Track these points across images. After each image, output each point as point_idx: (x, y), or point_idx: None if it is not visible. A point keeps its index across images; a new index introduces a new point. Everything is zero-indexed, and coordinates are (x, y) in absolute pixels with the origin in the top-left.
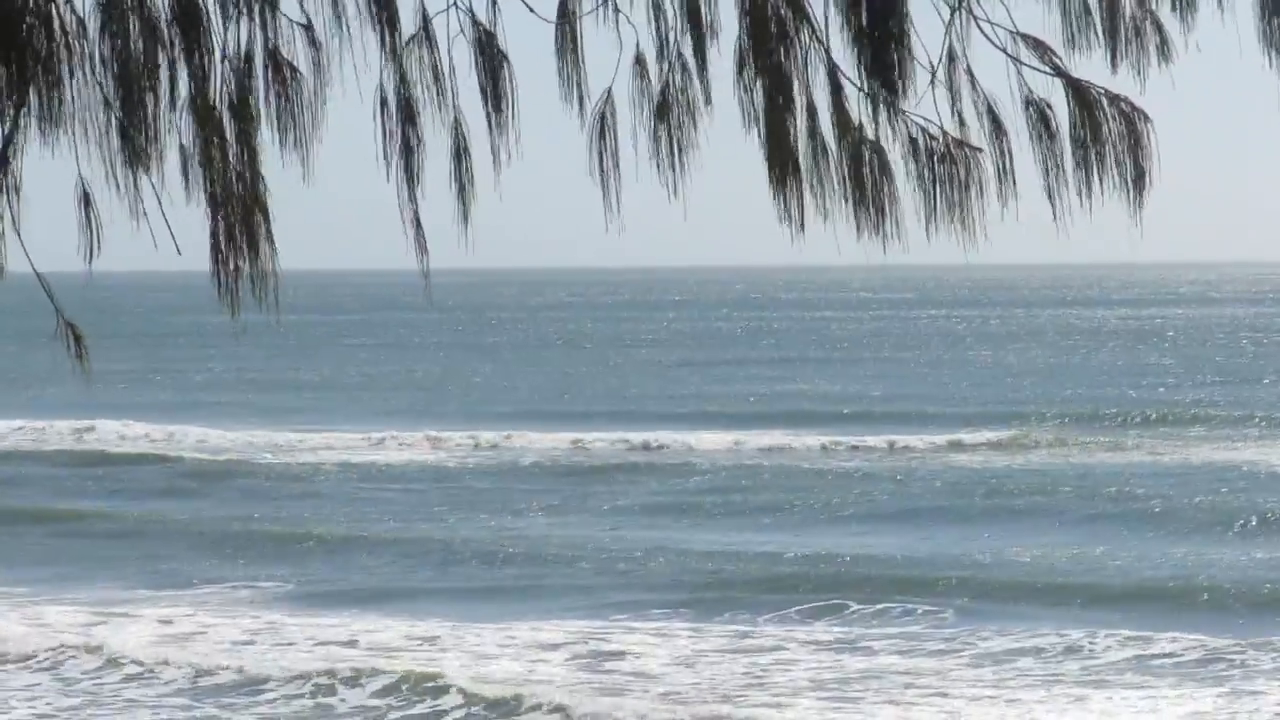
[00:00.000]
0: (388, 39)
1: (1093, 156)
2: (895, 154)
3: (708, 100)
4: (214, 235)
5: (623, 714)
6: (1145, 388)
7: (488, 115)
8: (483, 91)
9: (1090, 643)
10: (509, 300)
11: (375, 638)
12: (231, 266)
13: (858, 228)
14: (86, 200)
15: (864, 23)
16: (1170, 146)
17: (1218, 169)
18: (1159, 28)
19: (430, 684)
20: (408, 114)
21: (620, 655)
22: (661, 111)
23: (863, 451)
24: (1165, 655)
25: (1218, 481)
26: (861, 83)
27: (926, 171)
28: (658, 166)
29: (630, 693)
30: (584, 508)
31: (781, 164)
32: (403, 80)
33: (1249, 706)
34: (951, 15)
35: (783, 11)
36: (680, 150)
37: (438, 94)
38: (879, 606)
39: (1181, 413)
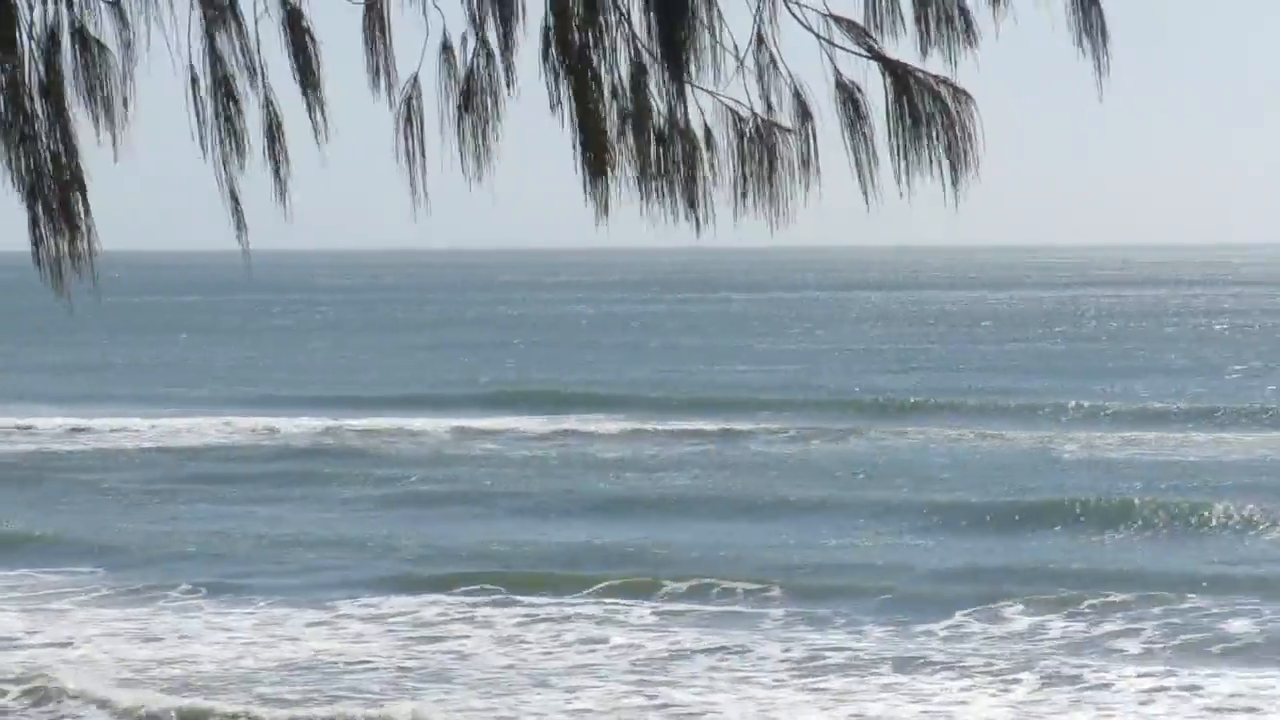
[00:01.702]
0: (198, 17)
1: (911, 138)
2: (703, 136)
3: (510, 85)
4: (32, 215)
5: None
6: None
7: (304, 93)
8: (293, 70)
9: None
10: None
11: None
12: (51, 246)
13: (669, 210)
14: None
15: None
16: (993, 130)
17: (1039, 154)
18: (964, 12)
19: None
20: (224, 91)
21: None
22: (467, 98)
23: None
24: None
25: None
26: (666, 66)
27: (735, 153)
28: (462, 153)
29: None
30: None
31: (588, 146)
32: (215, 58)
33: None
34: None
35: None
36: (484, 138)
37: (249, 72)
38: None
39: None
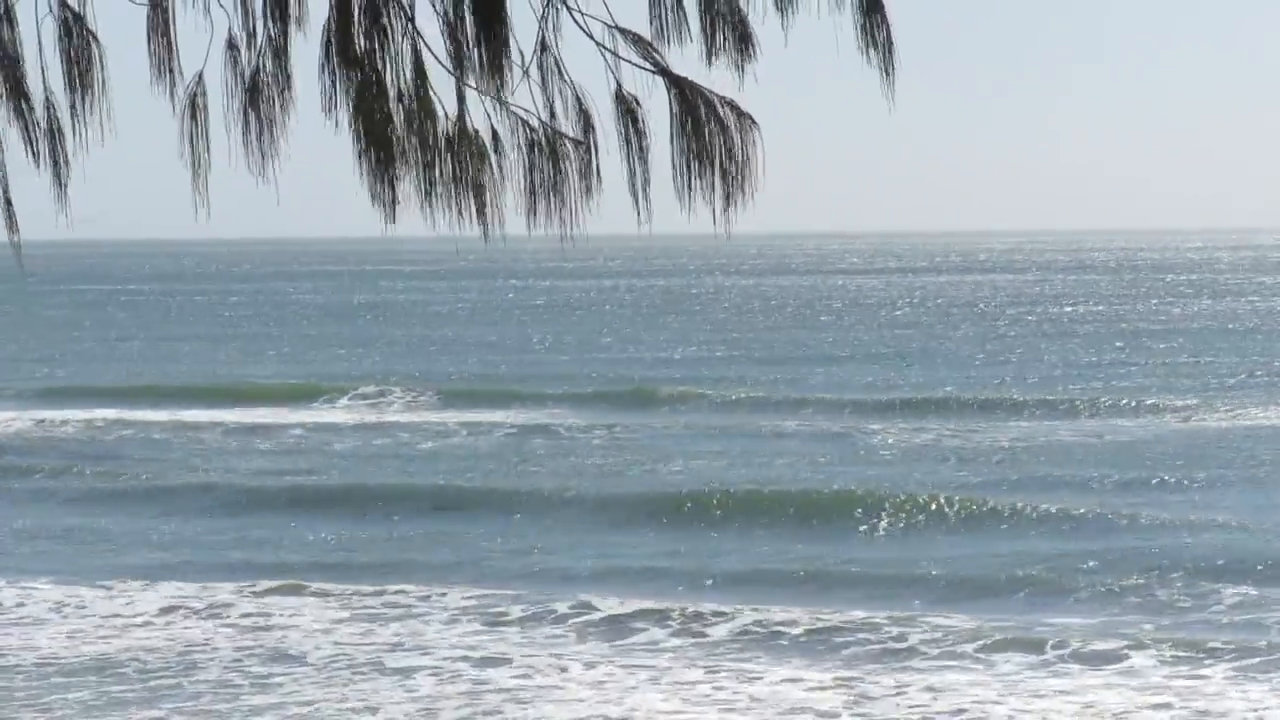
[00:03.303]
0: None
1: (691, 158)
2: (494, 143)
3: (288, 87)
4: None
5: None
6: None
7: (71, 94)
8: (68, 72)
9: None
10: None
11: None
12: None
13: (458, 214)
14: None
15: (464, 6)
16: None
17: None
18: (744, 23)
19: None
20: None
21: None
22: (252, 96)
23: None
24: None
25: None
26: (459, 70)
27: (524, 160)
28: (248, 151)
29: None
30: None
31: (371, 148)
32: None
33: None
34: (545, 6)
35: None
36: (271, 136)
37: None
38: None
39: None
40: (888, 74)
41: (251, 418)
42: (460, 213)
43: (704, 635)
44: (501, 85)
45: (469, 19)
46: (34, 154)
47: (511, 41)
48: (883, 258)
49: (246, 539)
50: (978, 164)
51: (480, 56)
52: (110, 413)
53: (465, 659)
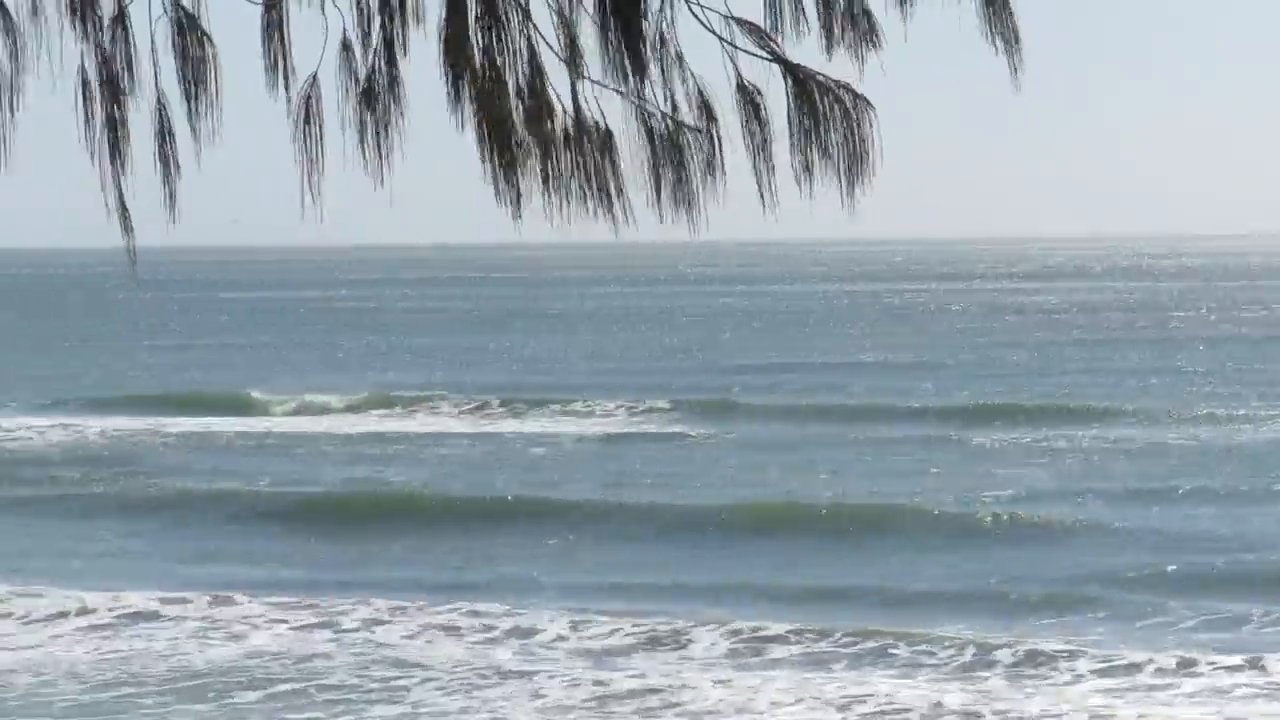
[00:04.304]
0: (88, 20)
1: (811, 143)
2: (621, 134)
3: (402, 88)
4: None
5: None
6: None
7: (186, 97)
8: (183, 73)
9: None
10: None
11: None
12: None
13: (586, 210)
14: None
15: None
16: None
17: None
18: (868, 14)
19: None
20: (111, 95)
21: None
22: (367, 98)
23: None
24: None
25: None
26: (575, 63)
27: (648, 152)
28: (364, 154)
29: None
30: None
31: (494, 146)
32: (105, 62)
33: None
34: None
35: None
36: (386, 138)
37: (138, 76)
38: None
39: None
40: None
41: (376, 425)
42: (586, 207)
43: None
44: (643, 81)
45: (605, 13)
46: (158, 157)
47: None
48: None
49: (367, 551)
50: (1025, 165)
51: (615, 50)
52: (259, 421)
53: (592, 669)
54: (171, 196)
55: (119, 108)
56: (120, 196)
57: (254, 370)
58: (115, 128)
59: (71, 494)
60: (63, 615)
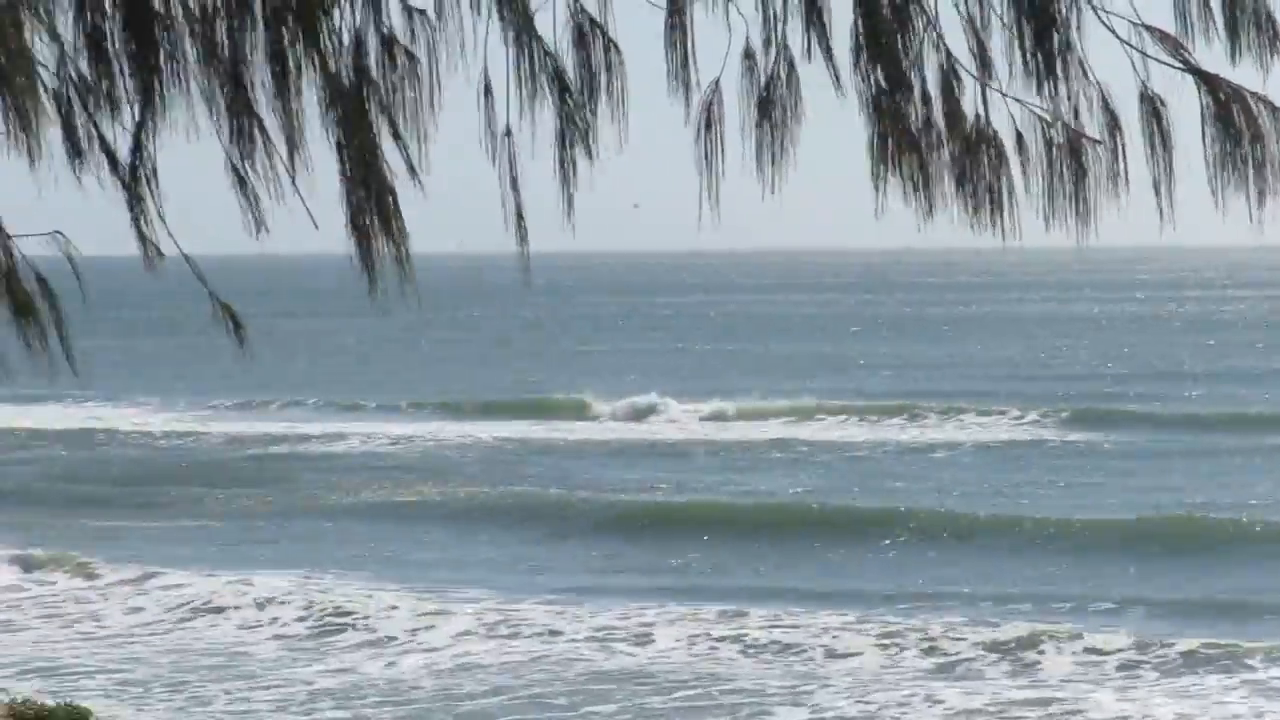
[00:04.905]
0: (496, 25)
1: (1226, 156)
2: (1012, 143)
3: (800, 96)
4: (353, 216)
5: None
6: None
7: (590, 101)
8: (589, 79)
9: None
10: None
11: None
12: (370, 245)
13: (973, 218)
14: (241, 181)
15: (1019, 11)
16: None
17: None
18: (1272, 20)
19: None
20: (519, 100)
21: None
22: (765, 107)
23: None
24: None
25: None
26: (981, 72)
27: (1044, 163)
28: (759, 161)
29: None
30: None
31: (900, 152)
32: (519, 64)
33: None
34: (1069, 5)
35: (898, 1)
36: (781, 148)
37: (543, 81)
38: None
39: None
40: None
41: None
42: (979, 214)
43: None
44: (1055, 92)
45: (1019, 22)
46: (558, 162)
47: (1055, 45)
48: None
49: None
50: None
51: (1028, 58)
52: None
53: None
54: (569, 201)
55: (523, 112)
56: (517, 202)
57: (653, 376)
58: (511, 132)
59: (452, 501)
60: (448, 617)
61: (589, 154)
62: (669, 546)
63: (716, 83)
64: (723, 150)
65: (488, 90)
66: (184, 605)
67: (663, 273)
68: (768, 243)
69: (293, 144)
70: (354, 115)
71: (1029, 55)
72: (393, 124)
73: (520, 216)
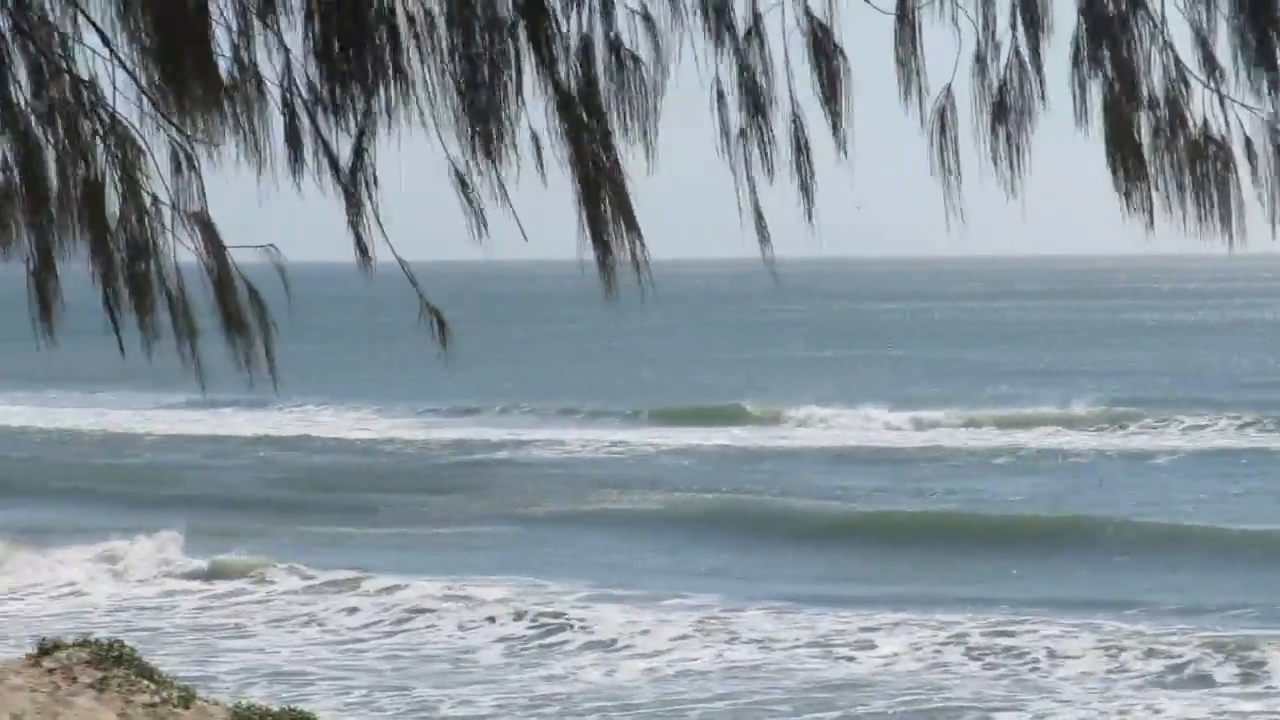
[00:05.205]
0: (723, 30)
1: None
2: (1240, 148)
3: (1043, 97)
4: (589, 220)
5: None
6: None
7: (824, 109)
8: (818, 85)
9: None
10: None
11: None
12: (605, 249)
13: (1200, 225)
14: (463, 183)
15: (1245, 12)
16: None
17: None
18: None
19: None
20: (748, 106)
21: None
22: (999, 112)
23: None
24: None
25: None
26: (1209, 77)
27: (1272, 168)
28: (995, 165)
29: None
30: None
31: (1126, 158)
32: (741, 72)
33: None
34: None
35: (1122, 6)
36: (1018, 152)
37: (774, 87)
38: None
39: None
40: None
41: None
42: (1205, 220)
43: None
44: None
45: (1244, 26)
46: (794, 168)
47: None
48: None
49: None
50: None
51: (1251, 63)
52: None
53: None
54: (810, 206)
55: (757, 118)
56: (756, 204)
57: (870, 383)
58: (748, 137)
59: (670, 508)
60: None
61: (844, 152)
62: (889, 554)
63: (948, 88)
64: (957, 155)
65: (721, 96)
66: (402, 610)
67: (873, 280)
68: (1003, 249)
69: (512, 149)
70: (586, 120)
71: (1255, 59)
72: (626, 128)
73: (759, 216)
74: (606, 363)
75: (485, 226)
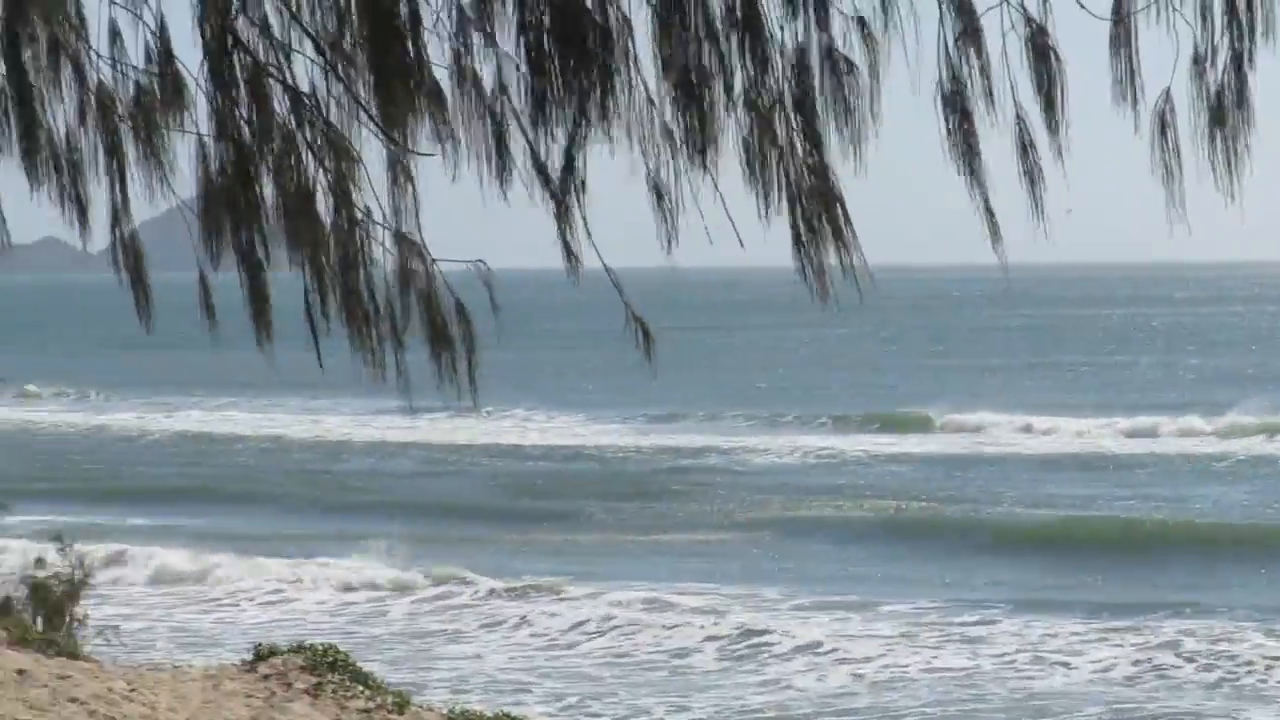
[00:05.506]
0: (939, 34)
1: None
2: None
3: (1244, 98)
4: (795, 228)
5: None
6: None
7: (1042, 111)
8: (1037, 88)
9: None
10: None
11: None
12: (814, 257)
13: None
14: (659, 193)
15: None
16: None
17: None
18: None
19: None
20: (963, 110)
21: None
22: (1217, 118)
23: None
24: None
25: None
26: None
27: None
28: (1214, 171)
29: None
30: None
31: None
32: (954, 76)
33: None
34: None
35: None
36: (1235, 154)
37: (994, 89)
38: None
39: None
40: None
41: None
42: None
43: None
44: None
45: None
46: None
47: None
48: None
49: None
50: None
51: None
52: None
53: None
54: (1039, 207)
55: (970, 121)
56: (987, 202)
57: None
58: (967, 139)
59: (874, 516)
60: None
61: (1060, 154)
62: (1097, 561)
63: (1167, 92)
64: (1179, 159)
65: (948, 97)
66: (614, 615)
67: (1088, 285)
68: (1226, 254)
69: (716, 153)
70: (804, 125)
71: None
72: (839, 130)
73: (990, 213)
74: (806, 368)
75: (677, 234)
